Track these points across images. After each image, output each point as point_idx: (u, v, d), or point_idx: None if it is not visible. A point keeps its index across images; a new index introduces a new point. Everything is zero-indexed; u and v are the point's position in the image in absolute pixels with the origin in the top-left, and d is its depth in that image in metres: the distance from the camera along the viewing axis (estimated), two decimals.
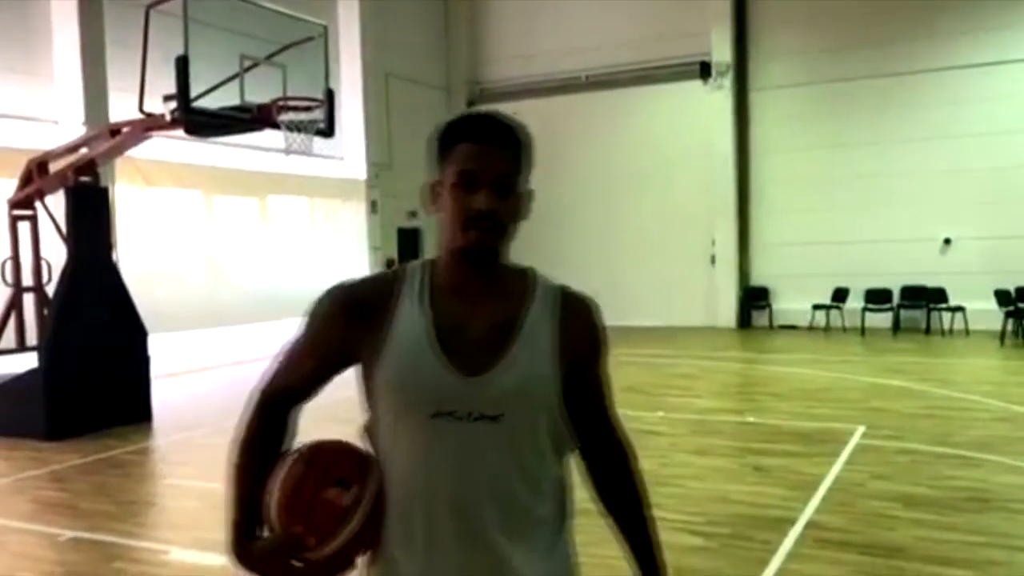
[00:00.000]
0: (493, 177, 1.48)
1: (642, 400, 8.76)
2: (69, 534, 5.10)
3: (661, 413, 8.08)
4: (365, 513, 1.50)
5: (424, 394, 1.49)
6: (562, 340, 1.56)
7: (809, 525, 4.82)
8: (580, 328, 1.61)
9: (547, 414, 1.55)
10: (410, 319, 1.51)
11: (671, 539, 4.51)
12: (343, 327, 1.54)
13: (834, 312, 14.72)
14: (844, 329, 14.56)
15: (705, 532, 4.73)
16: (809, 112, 15.14)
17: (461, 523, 1.50)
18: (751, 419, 7.87)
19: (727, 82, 15.52)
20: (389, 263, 16.06)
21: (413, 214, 16.81)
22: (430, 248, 17.26)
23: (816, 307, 14.76)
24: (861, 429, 7.12)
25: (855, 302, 14.51)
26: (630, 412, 7.89)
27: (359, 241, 15.43)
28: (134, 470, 7.02)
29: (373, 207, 15.55)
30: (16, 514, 5.57)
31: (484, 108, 1.53)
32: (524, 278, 1.60)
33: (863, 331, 14.16)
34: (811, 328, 14.84)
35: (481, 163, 1.48)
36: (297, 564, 1.50)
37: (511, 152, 1.51)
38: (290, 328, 1.66)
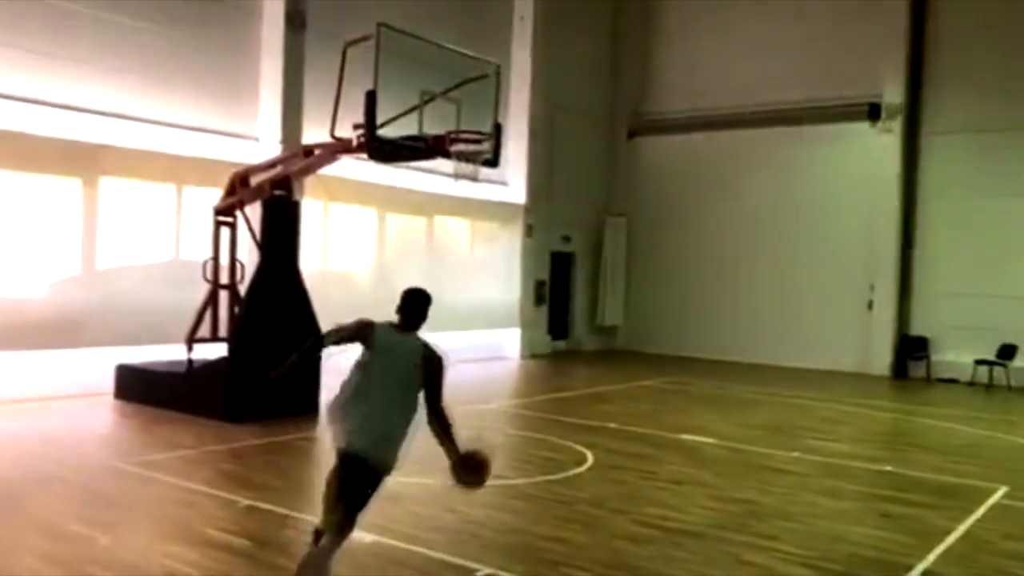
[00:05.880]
0: None
1: (781, 439, 8.85)
2: (245, 501, 5.88)
3: (797, 453, 8.14)
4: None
5: None
6: None
7: (925, 574, 4.89)
8: None
9: None
10: None
11: (783, 569, 4.78)
12: None
13: (999, 369, 14.04)
14: (1009, 387, 13.86)
15: (817, 566, 4.90)
16: (982, 159, 14.60)
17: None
18: (888, 468, 7.81)
19: (896, 125, 15.18)
20: (539, 284, 16.67)
21: (567, 239, 17.38)
22: (582, 271, 17.73)
23: (979, 362, 14.13)
24: (1004, 489, 6.97)
25: (1023, 360, 13.79)
26: (763, 449, 8.08)
27: (513, 262, 16.12)
28: (302, 454, 7.86)
29: (529, 231, 16.23)
30: (201, 480, 6.44)
31: None
32: None
33: None
34: (972, 384, 14.21)
35: None
36: None
37: None
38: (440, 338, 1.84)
